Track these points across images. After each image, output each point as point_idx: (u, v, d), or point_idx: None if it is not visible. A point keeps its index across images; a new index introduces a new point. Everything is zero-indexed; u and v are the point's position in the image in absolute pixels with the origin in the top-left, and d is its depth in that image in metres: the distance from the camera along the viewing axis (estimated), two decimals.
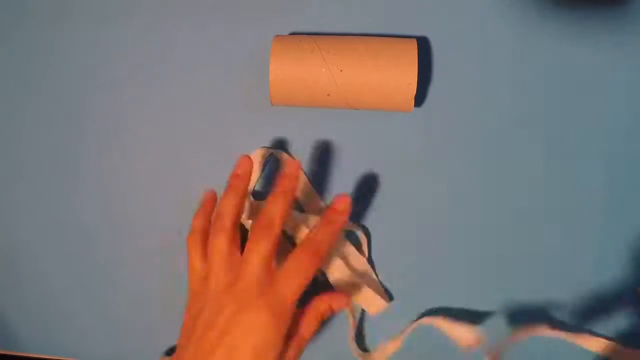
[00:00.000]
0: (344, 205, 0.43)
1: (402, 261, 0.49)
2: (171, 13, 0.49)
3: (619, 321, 0.48)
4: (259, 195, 0.50)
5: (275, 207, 0.42)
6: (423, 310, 0.49)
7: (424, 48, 0.48)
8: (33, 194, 0.50)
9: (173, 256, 0.50)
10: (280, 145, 0.49)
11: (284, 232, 0.48)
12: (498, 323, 0.48)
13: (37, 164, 0.50)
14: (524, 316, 0.48)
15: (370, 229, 0.49)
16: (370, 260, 0.49)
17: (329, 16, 0.49)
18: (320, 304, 0.43)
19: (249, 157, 0.45)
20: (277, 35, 0.46)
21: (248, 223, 0.48)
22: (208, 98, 0.49)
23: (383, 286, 0.49)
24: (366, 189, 0.49)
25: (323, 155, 0.49)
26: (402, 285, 0.49)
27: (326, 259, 0.47)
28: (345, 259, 0.48)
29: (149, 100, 0.50)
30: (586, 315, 0.48)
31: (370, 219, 0.49)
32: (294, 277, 0.40)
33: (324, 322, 0.45)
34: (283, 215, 0.42)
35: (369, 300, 0.47)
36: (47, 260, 0.50)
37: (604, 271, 0.48)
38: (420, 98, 0.48)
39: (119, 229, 0.50)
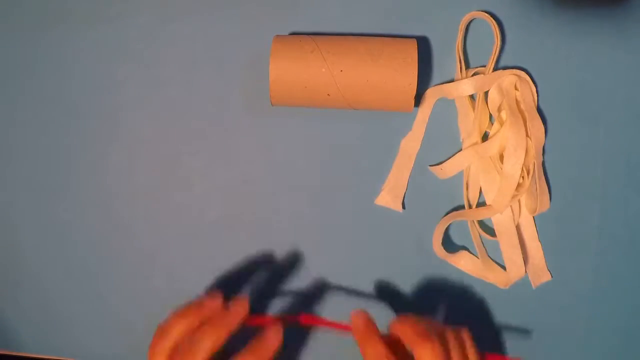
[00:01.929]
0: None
1: (401, 260, 0.49)
2: (171, 13, 0.49)
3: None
4: None
5: None
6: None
7: (424, 48, 0.48)
8: (33, 195, 0.50)
9: (173, 256, 0.50)
10: (280, 145, 0.49)
11: None
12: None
13: (37, 164, 0.50)
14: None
15: (370, 229, 0.49)
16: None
17: (329, 16, 0.49)
18: None
19: (247, 302, 0.42)
20: (277, 35, 0.46)
21: None
22: (208, 98, 0.49)
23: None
24: (366, 189, 0.49)
25: (323, 155, 0.49)
26: (403, 283, 0.49)
27: None
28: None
29: (149, 100, 0.50)
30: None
31: (370, 219, 0.49)
32: None
33: None
34: None
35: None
36: (47, 261, 0.50)
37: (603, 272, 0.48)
38: (420, 98, 0.48)
39: (120, 229, 0.50)
